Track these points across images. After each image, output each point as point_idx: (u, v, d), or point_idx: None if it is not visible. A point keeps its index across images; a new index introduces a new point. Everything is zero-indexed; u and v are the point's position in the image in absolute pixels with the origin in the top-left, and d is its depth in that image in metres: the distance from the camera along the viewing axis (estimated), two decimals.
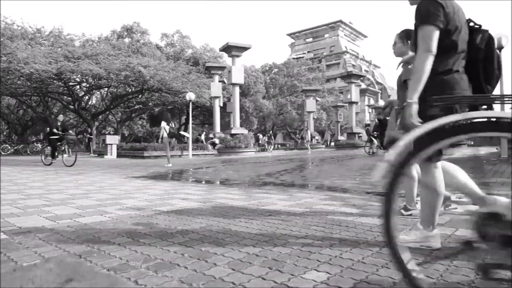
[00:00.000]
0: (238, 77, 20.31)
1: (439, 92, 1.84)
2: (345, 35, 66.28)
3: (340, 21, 64.52)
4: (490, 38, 1.96)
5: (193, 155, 16.63)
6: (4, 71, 19.71)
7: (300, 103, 34.97)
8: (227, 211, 3.18)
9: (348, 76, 29.98)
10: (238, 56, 20.53)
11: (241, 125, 23.14)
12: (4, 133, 35.07)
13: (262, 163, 10.84)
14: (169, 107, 28.62)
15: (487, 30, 1.98)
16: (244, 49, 20.63)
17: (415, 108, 1.84)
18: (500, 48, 9.71)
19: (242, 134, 19.76)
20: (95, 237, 2.24)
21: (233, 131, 20.00)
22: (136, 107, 29.22)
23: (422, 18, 1.86)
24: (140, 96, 26.43)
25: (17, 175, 7.14)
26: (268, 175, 7.17)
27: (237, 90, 20.92)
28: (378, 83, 59.70)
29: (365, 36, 71.14)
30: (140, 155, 16.31)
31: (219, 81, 24.45)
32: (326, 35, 66.44)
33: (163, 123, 10.94)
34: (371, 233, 2.34)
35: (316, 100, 33.39)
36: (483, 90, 1.98)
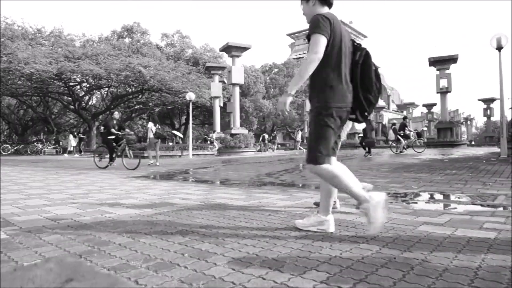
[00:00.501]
0: (238, 77, 20.30)
1: (330, 102, 2.18)
2: None
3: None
4: (367, 54, 2.31)
5: (193, 155, 16.64)
6: (4, 71, 19.73)
7: (300, 103, 34.98)
8: (227, 211, 3.18)
9: None
10: (238, 56, 20.52)
11: (241, 125, 23.14)
12: (5, 133, 35.09)
13: (262, 163, 10.84)
14: (169, 107, 28.66)
15: (365, 48, 2.32)
16: (244, 49, 20.62)
17: (290, 99, 2.19)
18: (500, 48, 9.71)
19: (242, 134, 19.75)
20: (95, 237, 2.24)
21: (233, 131, 20.00)
22: (136, 107, 29.23)
23: (314, 28, 2.17)
24: (140, 96, 26.45)
25: (18, 175, 7.14)
26: (268, 175, 7.17)
27: (237, 90, 20.92)
28: None
29: (365, 36, 71.11)
30: (140, 155, 16.28)
31: (219, 81, 24.45)
32: None
33: (150, 124, 11.37)
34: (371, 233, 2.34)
35: None
36: (360, 100, 2.28)
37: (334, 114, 2.17)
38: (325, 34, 2.12)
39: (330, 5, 2.36)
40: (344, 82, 2.21)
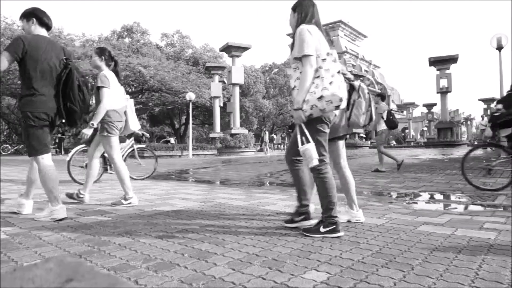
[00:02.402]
0: (238, 77, 20.28)
1: (26, 107, 2.67)
2: (345, 35, 66.24)
3: (340, 21, 64.48)
4: (70, 71, 2.76)
5: (193, 155, 16.64)
6: (4, 71, 19.72)
7: None
8: (227, 211, 3.18)
9: None
10: (238, 56, 20.51)
11: (241, 125, 23.11)
12: (4, 133, 35.07)
13: (262, 163, 10.84)
14: (169, 107, 28.63)
15: (70, 67, 2.78)
16: (244, 49, 20.60)
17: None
18: (500, 48, 9.72)
19: (242, 134, 19.75)
20: (95, 237, 2.24)
21: (233, 131, 19.99)
22: (136, 107, 29.17)
23: (7, 47, 2.62)
24: (140, 96, 26.41)
25: (18, 175, 7.14)
26: (268, 175, 7.17)
27: (237, 90, 20.91)
28: (378, 83, 59.70)
29: (365, 36, 71.10)
30: (140, 155, 16.31)
31: (219, 81, 24.41)
32: None
33: None
34: (371, 233, 2.34)
35: None
36: (66, 108, 2.76)
37: (31, 116, 2.65)
38: (12, 53, 2.62)
39: (47, 26, 2.87)
40: (41, 92, 2.68)
